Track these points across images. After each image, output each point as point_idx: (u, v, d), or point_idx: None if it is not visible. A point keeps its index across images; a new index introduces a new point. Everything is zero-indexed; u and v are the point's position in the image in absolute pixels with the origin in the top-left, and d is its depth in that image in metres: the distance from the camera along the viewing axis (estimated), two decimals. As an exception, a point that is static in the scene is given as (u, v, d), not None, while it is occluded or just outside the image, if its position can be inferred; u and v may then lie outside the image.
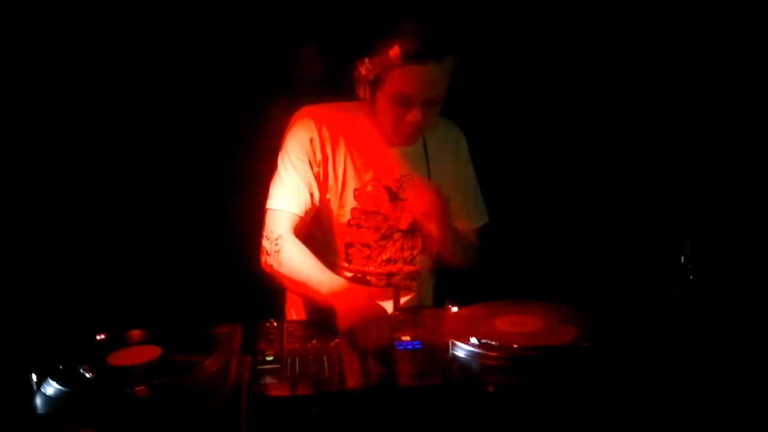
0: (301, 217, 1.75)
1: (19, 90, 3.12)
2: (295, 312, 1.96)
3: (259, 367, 1.32)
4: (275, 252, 1.69)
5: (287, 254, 1.68)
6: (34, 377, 1.30)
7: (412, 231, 1.86)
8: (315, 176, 1.77)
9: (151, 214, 3.47)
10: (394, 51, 1.56)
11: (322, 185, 1.78)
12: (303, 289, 1.67)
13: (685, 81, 3.26)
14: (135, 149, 3.48)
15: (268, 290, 2.01)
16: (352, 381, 1.26)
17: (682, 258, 1.60)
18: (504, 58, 3.39)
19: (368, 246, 1.85)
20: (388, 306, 1.88)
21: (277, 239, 1.70)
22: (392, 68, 1.59)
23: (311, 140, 1.76)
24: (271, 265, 1.70)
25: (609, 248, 3.15)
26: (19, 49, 3.07)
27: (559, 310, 1.59)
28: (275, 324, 1.53)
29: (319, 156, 1.76)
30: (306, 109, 1.81)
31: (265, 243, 1.72)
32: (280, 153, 1.78)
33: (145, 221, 3.46)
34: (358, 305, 1.50)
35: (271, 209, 1.74)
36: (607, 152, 3.42)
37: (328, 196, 1.79)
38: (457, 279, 1.97)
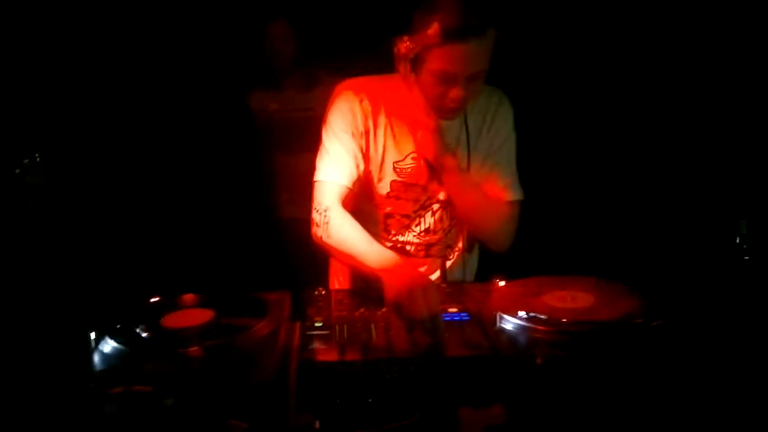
0: (348, 188, 1.75)
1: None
2: (338, 281, 1.98)
3: (308, 333, 1.34)
4: (324, 224, 1.70)
5: (335, 226, 1.69)
6: (92, 335, 1.35)
7: (451, 201, 1.85)
8: (358, 147, 1.77)
9: (206, 183, 3.54)
10: (434, 29, 1.53)
11: (365, 156, 1.79)
12: (351, 260, 1.68)
13: (743, 56, 3.15)
14: (180, 121, 3.54)
15: (313, 260, 2.05)
16: (401, 348, 1.27)
17: (738, 238, 1.56)
18: (555, 27, 3.33)
19: (407, 216, 1.86)
20: (433, 276, 1.91)
21: (325, 211, 1.70)
22: (432, 47, 1.56)
23: (353, 112, 1.76)
24: (321, 237, 1.71)
25: (664, 226, 3.09)
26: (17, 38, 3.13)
27: (611, 286, 1.57)
28: (323, 292, 1.55)
29: (361, 127, 1.76)
30: (347, 82, 1.81)
31: (314, 215, 1.73)
32: (323, 126, 1.79)
33: (201, 191, 3.53)
34: (405, 277, 1.50)
35: (319, 181, 1.76)
36: (664, 126, 3.34)
37: (369, 168, 1.80)
38: (505, 255, 1.95)
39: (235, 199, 3.55)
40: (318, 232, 1.72)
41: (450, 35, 1.52)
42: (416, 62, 1.61)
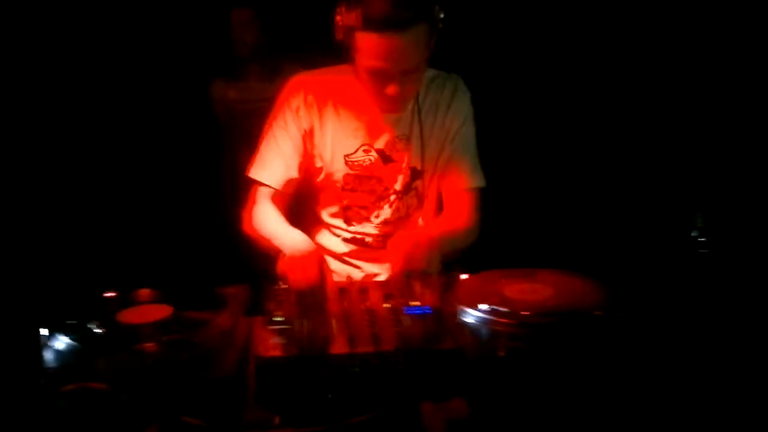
0: (277, 190, 1.80)
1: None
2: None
3: (268, 327, 1.32)
4: (249, 216, 1.79)
5: (258, 217, 1.78)
6: (44, 332, 1.31)
7: (408, 191, 1.85)
8: (296, 148, 1.78)
9: (164, 174, 3.47)
10: (357, 13, 1.53)
11: (311, 153, 1.80)
12: (272, 246, 1.72)
13: (702, 54, 3.21)
14: (137, 112, 3.47)
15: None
16: (363, 344, 1.26)
17: (694, 231, 1.58)
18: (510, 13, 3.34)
19: (365, 208, 1.86)
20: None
21: (251, 209, 1.79)
22: (356, 31, 1.55)
23: (296, 110, 1.77)
24: (247, 230, 1.79)
25: (624, 219, 3.14)
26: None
27: (572, 278, 1.59)
28: (284, 286, 1.53)
29: (305, 125, 1.77)
30: (296, 78, 1.81)
31: (244, 212, 1.81)
32: (267, 121, 1.80)
33: (159, 182, 3.47)
34: (299, 253, 1.60)
35: (249, 178, 1.80)
36: (624, 120, 3.38)
37: (319, 164, 1.80)
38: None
39: (194, 191, 3.49)
40: (245, 226, 1.80)
41: (370, 23, 1.51)
42: (349, 49, 1.60)
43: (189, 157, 3.50)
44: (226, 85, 3.35)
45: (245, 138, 3.23)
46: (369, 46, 1.55)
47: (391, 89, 1.60)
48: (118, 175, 3.41)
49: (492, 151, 2.00)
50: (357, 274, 1.85)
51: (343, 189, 1.83)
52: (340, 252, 1.92)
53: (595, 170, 3.37)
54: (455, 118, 1.84)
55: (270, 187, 1.79)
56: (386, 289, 1.54)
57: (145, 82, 3.47)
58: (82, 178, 3.31)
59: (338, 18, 1.59)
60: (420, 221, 1.93)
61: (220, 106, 3.37)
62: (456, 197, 1.88)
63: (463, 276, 1.63)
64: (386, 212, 1.87)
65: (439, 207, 1.94)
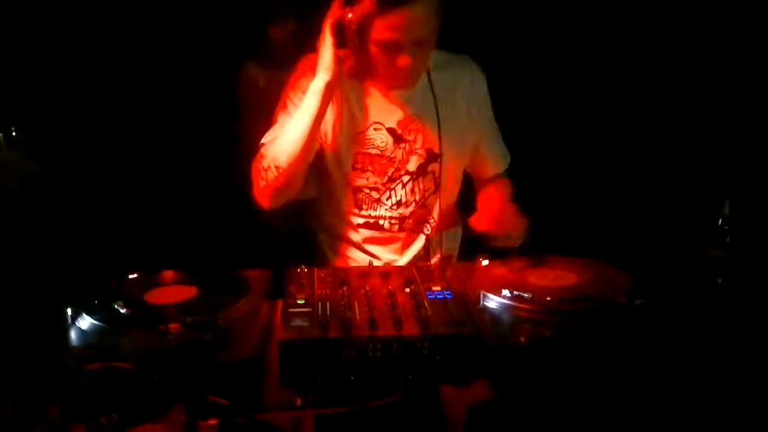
0: None
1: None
2: (322, 260, 1.97)
3: (290, 310, 1.32)
4: (262, 159, 1.71)
5: (269, 146, 1.72)
6: (69, 311, 1.32)
7: (423, 173, 1.84)
8: None
9: (189, 158, 3.49)
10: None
11: (323, 130, 1.78)
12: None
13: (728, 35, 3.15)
14: (159, 97, 3.49)
15: (297, 237, 2.04)
16: (385, 327, 1.26)
17: (720, 219, 1.56)
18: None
19: (376, 189, 1.85)
20: (409, 254, 1.91)
21: (261, 157, 1.72)
22: (372, 16, 1.55)
23: (306, 88, 1.74)
24: (263, 177, 1.70)
25: (648, 206, 3.10)
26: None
27: (595, 265, 1.58)
28: (306, 270, 1.54)
29: None
30: (308, 57, 1.79)
31: (255, 168, 1.74)
32: (281, 99, 1.80)
33: (184, 166, 3.49)
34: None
35: (263, 143, 1.75)
36: (647, 105, 3.33)
37: (333, 141, 1.79)
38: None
39: (217, 174, 3.51)
40: (262, 175, 1.71)
41: (385, 3, 1.52)
42: (360, 33, 1.60)
43: (213, 139, 3.51)
44: (258, 69, 3.36)
45: (267, 122, 3.28)
46: (383, 23, 1.55)
47: (403, 60, 1.60)
48: (146, 157, 3.44)
49: (518, 137, 2.00)
50: (375, 264, 1.85)
51: (354, 168, 1.82)
52: (356, 239, 1.91)
53: (622, 158, 3.33)
54: (472, 100, 1.86)
55: None
56: (408, 273, 1.54)
57: (170, 65, 3.48)
58: (113, 160, 3.34)
59: (345, 16, 1.58)
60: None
61: (248, 90, 3.38)
62: (491, 180, 1.94)
63: (485, 262, 1.63)
64: (400, 193, 1.86)
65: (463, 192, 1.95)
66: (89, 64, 3.31)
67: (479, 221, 1.64)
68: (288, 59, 3.22)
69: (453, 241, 2.00)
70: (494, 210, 1.65)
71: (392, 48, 1.59)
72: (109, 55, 3.38)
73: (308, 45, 1.83)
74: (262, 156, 1.72)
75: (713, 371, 1.24)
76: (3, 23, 2.96)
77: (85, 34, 3.30)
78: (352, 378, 1.21)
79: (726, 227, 1.55)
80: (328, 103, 1.66)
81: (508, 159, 1.98)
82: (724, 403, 1.17)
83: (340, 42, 1.59)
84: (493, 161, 1.96)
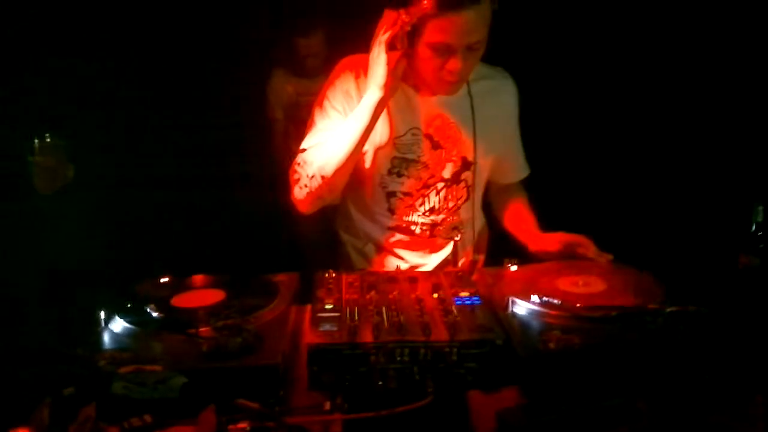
0: None
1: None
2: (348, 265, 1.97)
3: (318, 315, 1.33)
4: (305, 165, 1.72)
5: (312, 153, 1.72)
6: (102, 314, 1.35)
7: (457, 181, 1.85)
8: None
9: (219, 164, 3.54)
10: (429, 0, 1.52)
11: None
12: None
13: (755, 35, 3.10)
14: (196, 102, 3.53)
15: (324, 242, 2.05)
16: (412, 333, 1.26)
17: (753, 225, 1.54)
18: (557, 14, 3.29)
19: (410, 195, 1.84)
20: (437, 258, 1.92)
21: (303, 162, 1.73)
22: (428, 18, 1.55)
23: (348, 91, 1.76)
24: (306, 184, 1.72)
25: (679, 212, 3.06)
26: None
27: (625, 271, 1.56)
28: (333, 274, 1.54)
29: (355, 105, 1.74)
30: (347, 59, 1.81)
31: (294, 174, 1.75)
32: (317, 102, 1.80)
33: (214, 172, 3.53)
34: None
35: (303, 149, 1.76)
36: (679, 109, 3.29)
37: (366, 148, 1.77)
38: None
39: (247, 179, 3.55)
40: (301, 182, 1.73)
41: (445, 5, 1.52)
42: (413, 35, 1.59)
43: (240, 145, 3.55)
44: (286, 78, 3.41)
45: (295, 128, 3.30)
46: (441, 25, 1.55)
47: (454, 63, 1.60)
48: (176, 163, 3.49)
49: (538, 144, 2.01)
50: (403, 267, 1.85)
51: (389, 173, 1.82)
52: (385, 242, 1.91)
53: (654, 163, 3.29)
54: (505, 112, 1.89)
55: None
56: (435, 279, 1.54)
57: (200, 72, 3.53)
58: (144, 165, 3.39)
59: (399, 17, 1.58)
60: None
61: (276, 97, 3.42)
62: (508, 188, 2.02)
63: (514, 267, 1.62)
64: (433, 200, 1.86)
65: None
66: (120, 71, 3.37)
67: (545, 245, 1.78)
68: (315, 69, 3.29)
69: (481, 247, 1.99)
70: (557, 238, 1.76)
71: (444, 51, 1.59)
72: (138, 60, 3.43)
73: (336, 53, 1.85)
74: (304, 162, 1.73)
75: (745, 379, 1.22)
76: (39, 32, 3.03)
77: (115, 43, 3.36)
78: (380, 383, 1.21)
79: (760, 233, 1.53)
80: (378, 118, 1.67)
81: (528, 172, 2.02)
82: (757, 411, 1.15)
83: (391, 49, 1.59)
84: (514, 171, 2.01)
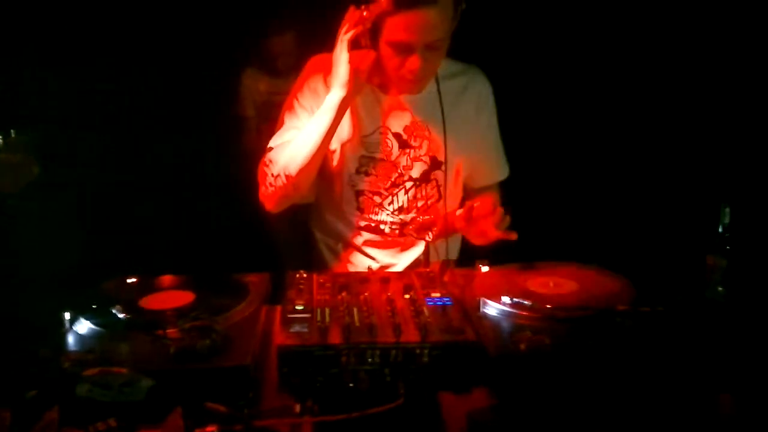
0: None
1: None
2: (321, 264, 1.96)
3: (289, 316, 1.32)
4: (270, 165, 1.72)
5: (278, 152, 1.73)
6: (67, 315, 1.32)
7: (427, 180, 1.84)
8: None
9: (185, 161, 3.50)
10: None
11: None
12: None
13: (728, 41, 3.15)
14: (166, 100, 3.49)
15: (295, 242, 2.03)
16: (383, 333, 1.25)
17: (720, 227, 1.55)
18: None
19: (379, 194, 1.84)
20: (408, 258, 1.91)
21: (270, 161, 1.74)
22: (386, 15, 1.55)
23: (316, 90, 1.77)
24: (271, 183, 1.72)
25: (647, 213, 3.10)
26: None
27: (595, 272, 1.57)
28: (305, 275, 1.53)
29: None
30: (315, 58, 1.81)
31: (261, 173, 1.76)
32: (286, 100, 1.80)
33: (182, 171, 3.49)
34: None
35: (270, 147, 1.76)
36: (647, 110, 3.33)
37: (334, 146, 1.78)
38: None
39: (215, 178, 3.52)
40: (268, 181, 1.73)
41: (403, 2, 1.53)
42: (374, 33, 1.60)
43: (209, 144, 3.52)
44: (258, 76, 3.40)
45: (267, 126, 3.28)
46: (399, 23, 1.56)
47: (413, 62, 1.61)
48: (143, 162, 3.44)
49: (516, 144, 2.01)
50: (374, 266, 1.85)
51: (357, 172, 1.82)
52: (356, 242, 1.91)
53: (622, 164, 3.33)
54: (479, 110, 1.87)
55: None
56: (407, 279, 1.53)
57: (172, 70, 3.49)
58: (110, 163, 3.34)
59: (359, 15, 1.58)
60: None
61: (247, 95, 3.41)
62: (483, 190, 1.97)
63: (485, 268, 1.62)
64: (402, 199, 1.86)
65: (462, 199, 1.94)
66: (90, 66, 3.31)
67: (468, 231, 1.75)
68: (287, 67, 3.28)
69: (453, 248, 2.00)
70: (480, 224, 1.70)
71: (404, 50, 1.60)
72: (109, 57, 3.37)
73: (308, 51, 1.84)
74: (270, 161, 1.73)
75: (713, 379, 1.24)
76: (3, 24, 2.96)
77: (88, 36, 3.30)
78: (351, 385, 1.20)
79: (726, 235, 1.55)
80: (342, 117, 1.67)
81: (507, 173, 1.99)
82: (724, 410, 1.17)
83: (354, 48, 1.59)
84: (490, 172, 1.98)
